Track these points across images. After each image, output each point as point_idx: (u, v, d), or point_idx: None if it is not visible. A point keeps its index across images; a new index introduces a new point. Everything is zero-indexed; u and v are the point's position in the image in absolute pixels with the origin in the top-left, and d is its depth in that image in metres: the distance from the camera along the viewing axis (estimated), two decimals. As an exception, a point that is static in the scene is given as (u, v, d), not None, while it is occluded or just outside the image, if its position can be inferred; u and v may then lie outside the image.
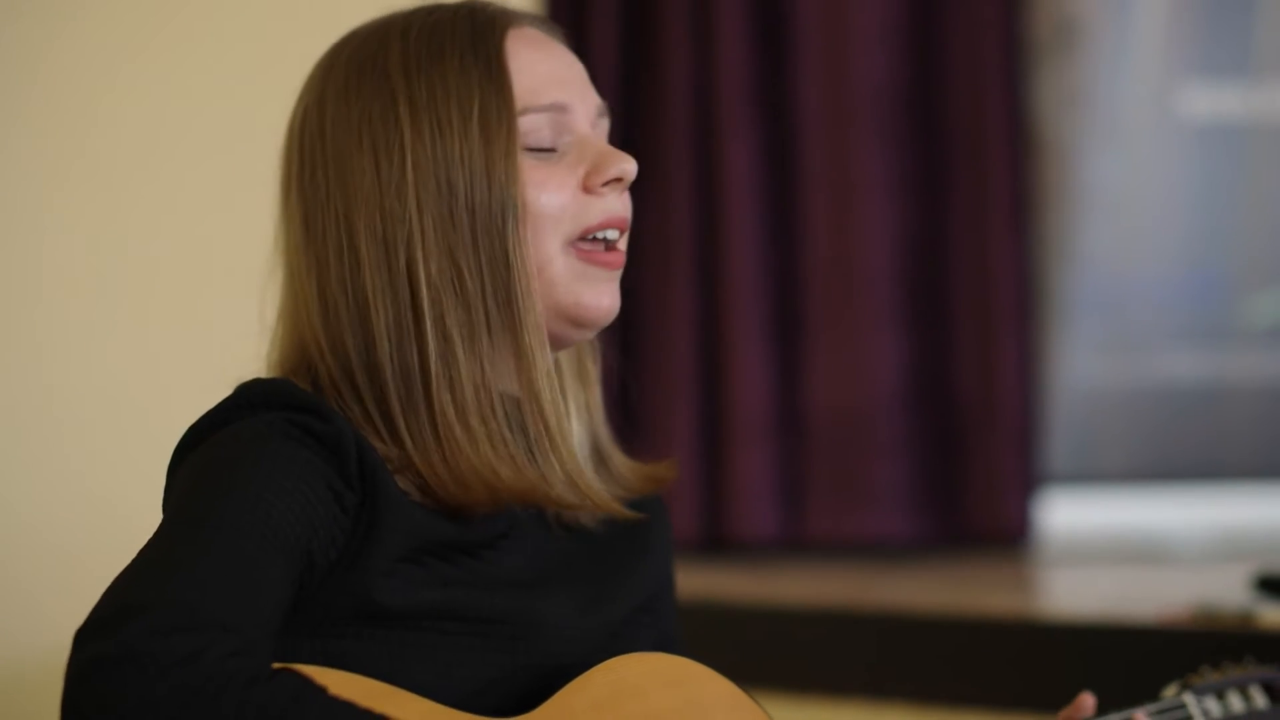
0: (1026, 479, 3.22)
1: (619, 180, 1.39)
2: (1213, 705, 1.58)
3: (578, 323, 1.38)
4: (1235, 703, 1.60)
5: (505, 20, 1.40)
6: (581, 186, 1.37)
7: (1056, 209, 3.34)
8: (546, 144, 1.37)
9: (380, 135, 1.34)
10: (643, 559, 1.48)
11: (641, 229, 1.72)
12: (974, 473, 3.22)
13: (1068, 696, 1.60)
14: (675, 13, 3.25)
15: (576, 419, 1.47)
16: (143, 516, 2.32)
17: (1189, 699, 1.57)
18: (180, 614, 1.14)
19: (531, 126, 1.36)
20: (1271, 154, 3.45)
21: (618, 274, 1.40)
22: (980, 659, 2.49)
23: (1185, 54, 3.45)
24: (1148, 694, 1.63)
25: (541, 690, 1.34)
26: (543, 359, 1.35)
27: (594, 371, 1.50)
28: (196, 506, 1.23)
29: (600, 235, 1.38)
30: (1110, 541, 3.39)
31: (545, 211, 1.35)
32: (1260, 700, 1.61)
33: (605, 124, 1.43)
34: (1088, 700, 1.55)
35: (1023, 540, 3.22)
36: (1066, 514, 3.38)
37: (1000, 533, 3.21)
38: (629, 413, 3.33)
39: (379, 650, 1.29)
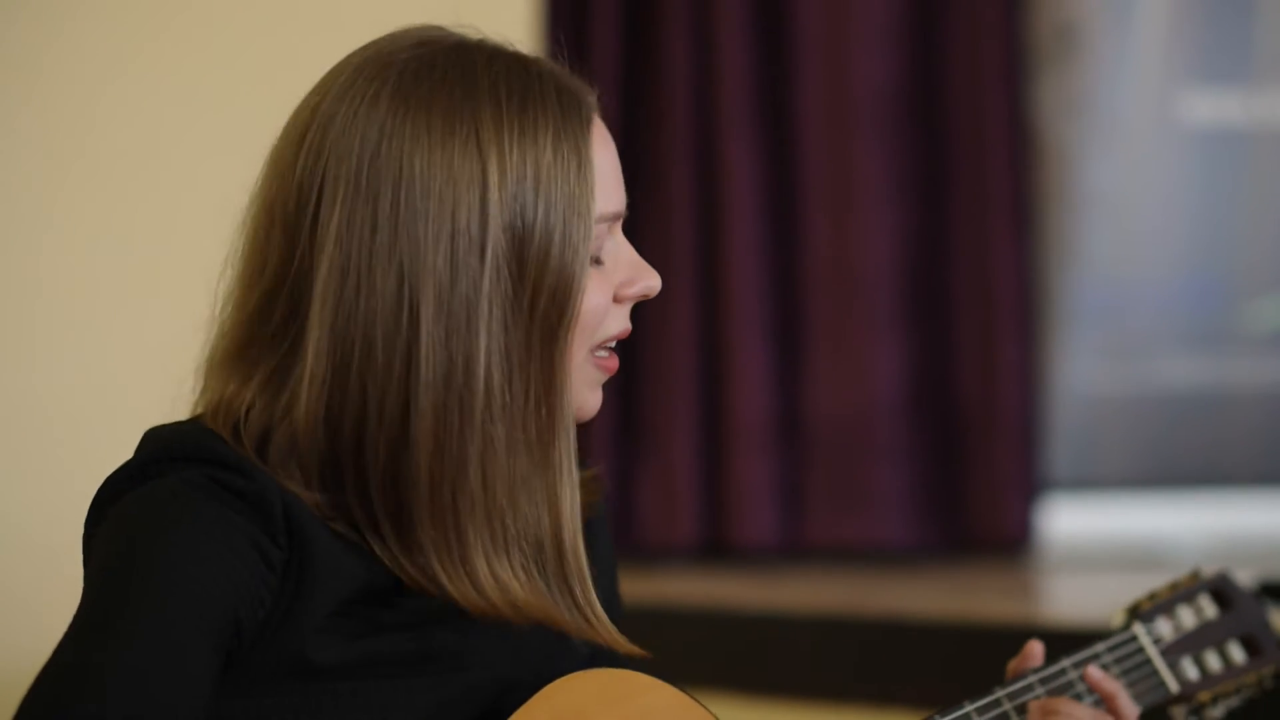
0: (1027, 484, 3.22)
1: (644, 295, 1.34)
2: (1164, 627, 1.56)
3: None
4: (1186, 618, 1.57)
5: (588, 106, 1.32)
6: (613, 296, 1.33)
7: (1057, 213, 3.34)
8: (599, 253, 1.31)
9: (464, 206, 1.25)
10: None
11: (642, 233, 1.72)
12: (975, 478, 3.21)
13: (1070, 701, 1.59)
14: (676, 15, 3.25)
15: None
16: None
17: (1139, 629, 1.55)
18: None
19: (598, 234, 1.31)
20: (1272, 159, 3.44)
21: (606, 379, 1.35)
22: (981, 665, 2.48)
23: (1186, 59, 3.45)
24: (1149, 698, 1.61)
25: (487, 711, 1.31)
26: (570, 471, 1.29)
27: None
28: (117, 590, 1.17)
29: (611, 344, 1.34)
30: (1111, 547, 3.38)
31: (588, 321, 1.30)
32: (1210, 610, 1.58)
33: None
34: (1036, 648, 1.54)
35: (1024, 546, 3.22)
36: (1067, 520, 3.37)
37: (1001, 538, 3.20)
38: (630, 418, 3.33)
39: (313, 704, 1.24)
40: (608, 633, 1.32)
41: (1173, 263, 3.46)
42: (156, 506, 1.21)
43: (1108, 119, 3.38)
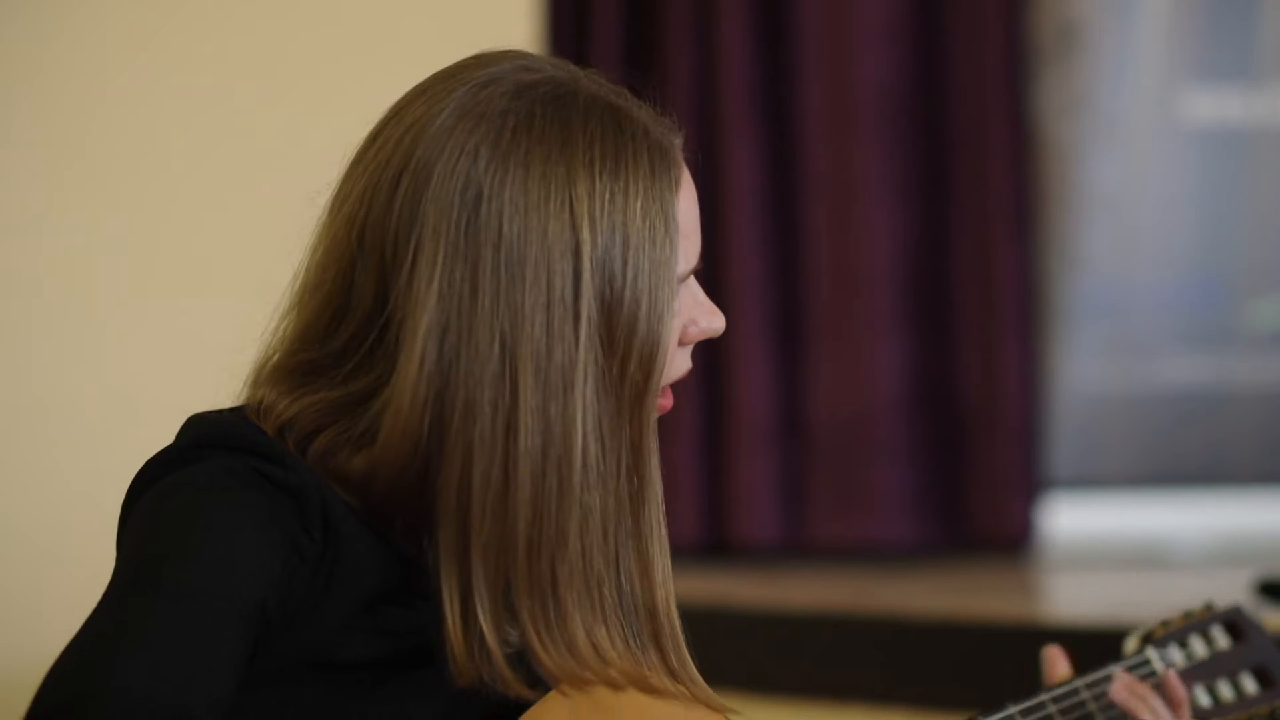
0: (1029, 484, 3.22)
1: (706, 335, 1.34)
2: (1176, 655, 1.56)
3: None
4: (1198, 648, 1.58)
5: (677, 162, 1.33)
6: (679, 339, 1.33)
7: (1058, 213, 3.34)
8: (676, 310, 1.31)
9: (559, 273, 1.25)
10: None
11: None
12: (976, 477, 3.21)
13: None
14: (678, 16, 3.25)
15: None
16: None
17: (1152, 654, 1.55)
18: (130, 706, 1.10)
19: (677, 293, 1.31)
20: (1273, 158, 3.44)
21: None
22: (983, 663, 2.49)
23: (1187, 59, 3.45)
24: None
25: (505, 710, 1.31)
26: (661, 534, 1.29)
27: None
28: (149, 569, 1.18)
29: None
30: (1112, 546, 3.39)
31: (664, 377, 1.30)
32: (1223, 641, 1.59)
33: None
34: (1059, 660, 1.55)
35: (1025, 545, 3.22)
36: (1069, 519, 3.37)
37: (1003, 537, 3.20)
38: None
39: (333, 694, 1.25)
40: (701, 690, 1.31)
41: (1174, 262, 3.46)
42: (194, 490, 1.22)
43: (1109, 118, 3.38)
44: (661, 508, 1.29)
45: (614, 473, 1.25)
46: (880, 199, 3.22)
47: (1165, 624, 1.59)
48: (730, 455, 3.20)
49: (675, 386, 1.36)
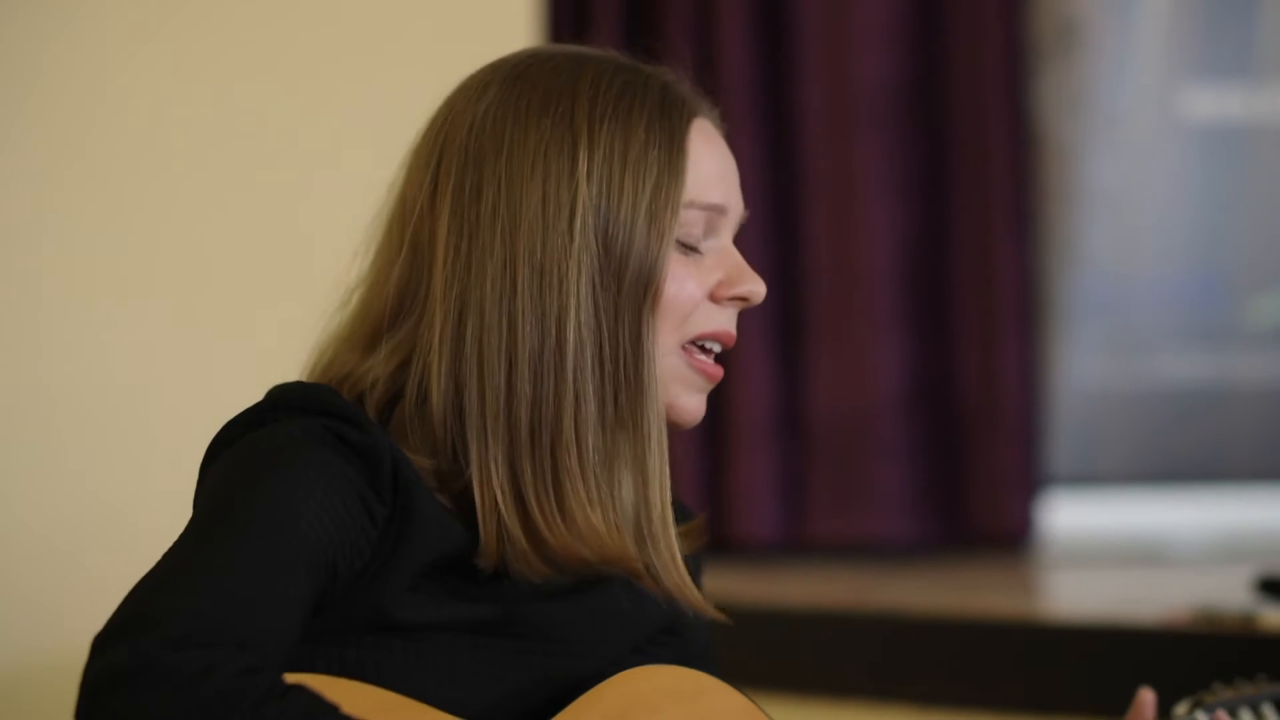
0: (1028, 481, 3.22)
1: (744, 300, 1.40)
2: None
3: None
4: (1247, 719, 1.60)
5: (693, 105, 1.42)
6: (710, 294, 1.38)
7: (1058, 210, 3.34)
8: (694, 242, 1.37)
9: (554, 173, 1.34)
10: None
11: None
12: (976, 474, 3.22)
13: (1070, 698, 1.60)
14: (676, 14, 3.25)
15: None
16: (143, 517, 2.32)
17: (1201, 717, 1.57)
18: (197, 627, 1.14)
19: (689, 220, 1.37)
20: (1273, 155, 3.45)
21: (710, 387, 1.40)
22: (982, 661, 2.49)
23: (1187, 55, 3.45)
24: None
25: (556, 705, 1.33)
26: (659, 442, 1.35)
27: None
28: (225, 511, 1.23)
29: (707, 345, 1.38)
30: (1112, 543, 3.39)
31: (674, 305, 1.35)
32: (1273, 717, 1.61)
33: (738, 228, 1.44)
34: (1149, 696, 1.55)
35: (1025, 542, 3.22)
36: (1068, 516, 3.38)
37: (1002, 534, 3.21)
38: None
39: (395, 661, 1.29)
40: (694, 597, 1.38)
41: (1174, 259, 3.46)
42: (271, 446, 1.27)
43: (1109, 115, 3.38)
44: (664, 425, 1.35)
45: (612, 372, 1.32)
46: (880, 197, 3.22)
47: (1214, 692, 1.60)
48: (729, 452, 3.21)
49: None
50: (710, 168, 1.39)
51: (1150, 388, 3.44)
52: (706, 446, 3.23)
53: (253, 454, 1.27)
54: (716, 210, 1.39)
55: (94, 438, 2.57)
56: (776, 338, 3.24)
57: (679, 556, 1.36)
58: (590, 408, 1.32)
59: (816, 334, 3.24)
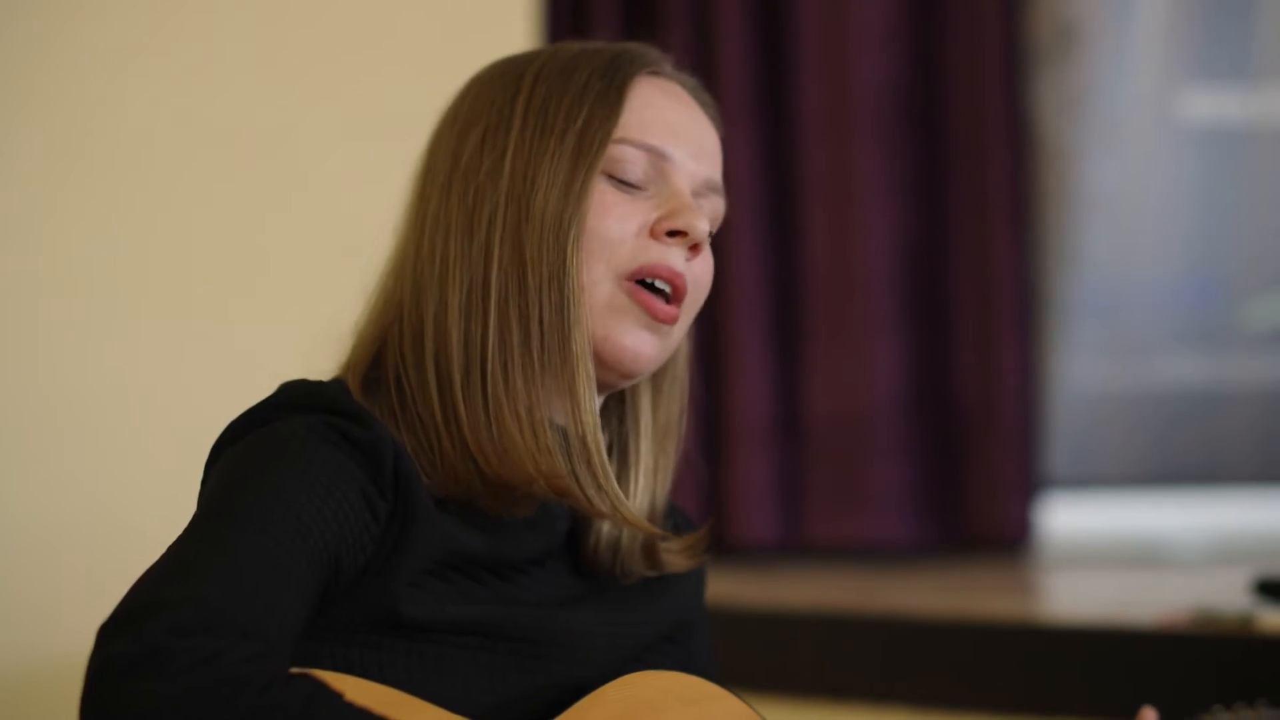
0: (1027, 483, 3.22)
1: (684, 234, 1.39)
2: None
3: (604, 360, 1.38)
4: None
5: (647, 62, 1.44)
6: (649, 229, 1.39)
7: (1056, 212, 3.34)
8: (633, 179, 1.39)
9: (493, 120, 1.39)
10: (666, 596, 1.48)
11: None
12: (974, 477, 3.21)
13: (1069, 700, 1.60)
14: (676, 14, 3.25)
15: (643, 477, 1.48)
16: (142, 517, 2.32)
17: None
18: (203, 614, 1.15)
19: (623, 156, 1.39)
20: (1271, 157, 3.45)
21: (661, 328, 1.40)
22: (981, 663, 2.49)
23: (1185, 58, 3.45)
24: (1148, 697, 1.62)
25: (557, 708, 1.34)
26: (586, 370, 1.36)
27: (675, 445, 1.52)
28: (229, 505, 1.24)
29: (657, 284, 1.39)
30: (1110, 545, 3.39)
31: (598, 235, 1.37)
32: None
33: (714, 203, 1.44)
34: (1150, 715, 1.55)
35: (1023, 544, 3.22)
36: (1067, 518, 3.38)
37: (1001, 537, 3.21)
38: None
39: (398, 659, 1.29)
40: (629, 513, 1.40)
41: (1172, 261, 3.46)
42: (275, 444, 1.28)
43: (1107, 118, 3.38)
44: (589, 350, 1.37)
45: (535, 303, 1.35)
46: (878, 199, 3.23)
47: (1213, 713, 1.60)
48: (728, 455, 3.20)
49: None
50: (656, 115, 1.41)
51: (1148, 390, 3.44)
52: (704, 449, 3.23)
53: (257, 451, 1.28)
54: (656, 153, 1.40)
55: (94, 439, 2.57)
56: (775, 340, 3.24)
57: (611, 478, 1.39)
58: (515, 339, 1.35)
59: (815, 336, 3.23)
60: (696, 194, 1.42)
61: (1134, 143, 3.43)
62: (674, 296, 1.40)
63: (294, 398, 1.32)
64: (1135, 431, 3.45)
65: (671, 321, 1.39)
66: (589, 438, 1.36)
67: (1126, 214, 3.43)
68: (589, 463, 1.36)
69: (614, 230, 1.37)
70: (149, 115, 2.65)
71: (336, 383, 1.35)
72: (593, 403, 1.37)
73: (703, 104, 1.46)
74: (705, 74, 3.25)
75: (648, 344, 1.39)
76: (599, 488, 1.37)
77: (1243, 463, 3.42)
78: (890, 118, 3.23)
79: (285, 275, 2.58)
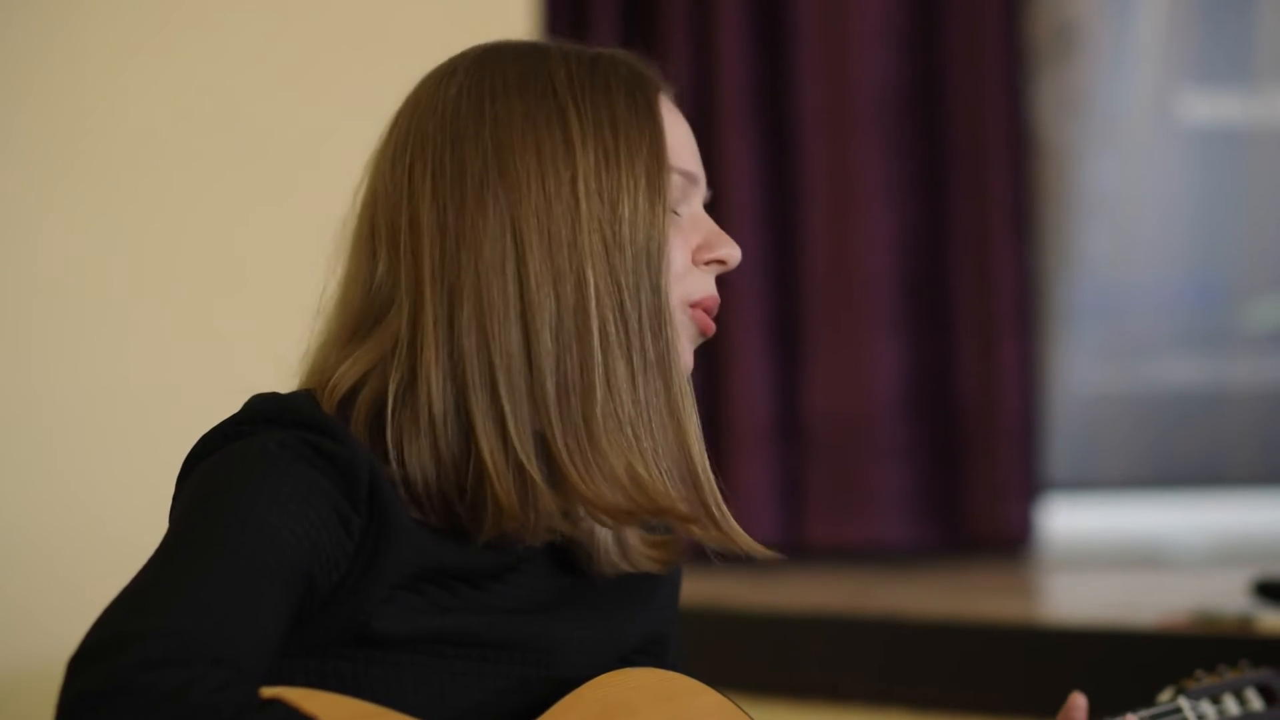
0: (1027, 484, 3.22)
1: (721, 263, 1.40)
2: (1208, 709, 1.58)
3: None
4: (1231, 706, 1.60)
5: (657, 79, 1.42)
6: (691, 256, 1.39)
7: (1056, 214, 3.34)
8: (674, 206, 1.39)
9: (547, 143, 1.33)
10: (648, 600, 1.47)
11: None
12: (975, 478, 3.21)
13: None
14: (675, 15, 3.25)
15: None
16: (135, 523, 2.31)
17: (1184, 703, 1.57)
18: (173, 644, 1.13)
19: (672, 184, 1.38)
20: (1270, 159, 3.45)
21: (701, 340, 1.42)
22: (981, 664, 2.49)
23: (1185, 60, 3.45)
24: (1147, 699, 1.62)
25: (537, 714, 1.33)
26: (689, 396, 1.37)
27: None
28: (199, 528, 1.22)
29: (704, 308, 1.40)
30: (1111, 547, 3.39)
31: (673, 265, 1.37)
32: (1256, 703, 1.61)
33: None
34: (1080, 700, 1.55)
35: (1024, 546, 3.22)
36: (1067, 519, 3.38)
37: (1001, 538, 3.20)
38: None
39: (373, 672, 1.28)
40: (744, 540, 1.38)
41: (1171, 262, 3.46)
42: (245, 461, 1.25)
43: (1106, 119, 3.38)
44: (688, 378, 1.37)
45: (637, 329, 1.33)
46: (878, 199, 3.22)
47: (1198, 678, 1.60)
48: (727, 456, 3.20)
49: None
50: (678, 137, 1.40)
51: (1148, 391, 3.44)
52: (705, 450, 3.22)
53: (227, 468, 1.25)
54: (690, 177, 1.40)
55: (87, 444, 2.57)
56: (775, 341, 3.24)
57: (724, 503, 1.37)
58: (619, 365, 1.31)
59: (815, 337, 3.23)
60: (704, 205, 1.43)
61: (1134, 143, 3.43)
62: (711, 314, 1.42)
63: (266, 411, 1.29)
64: (1135, 432, 3.45)
65: (712, 335, 1.42)
66: (698, 464, 1.35)
67: (1126, 215, 3.43)
68: (702, 490, 1.35)
69: (678, 261, 1.38)
70: (148, 117, 2.65)
71: (306, 394, 1.32)
72: (699, 428, 1.37)
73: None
74: (705, 75, 3.25)
75: (693, 358, 1.41)
76: (712, 514, 1.36)
77: (1243, 464, 3.42)
78: (890, 118, 3.23)
79: (285, 275, 2.57)
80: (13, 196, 2.58)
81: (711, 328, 1.40)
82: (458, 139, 1.34)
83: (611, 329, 1.32)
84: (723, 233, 1.41)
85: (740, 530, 1.38)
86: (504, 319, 1.30)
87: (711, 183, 3.14)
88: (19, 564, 2.53)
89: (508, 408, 1.29)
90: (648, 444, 1.33)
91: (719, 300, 1.41)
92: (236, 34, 2.71)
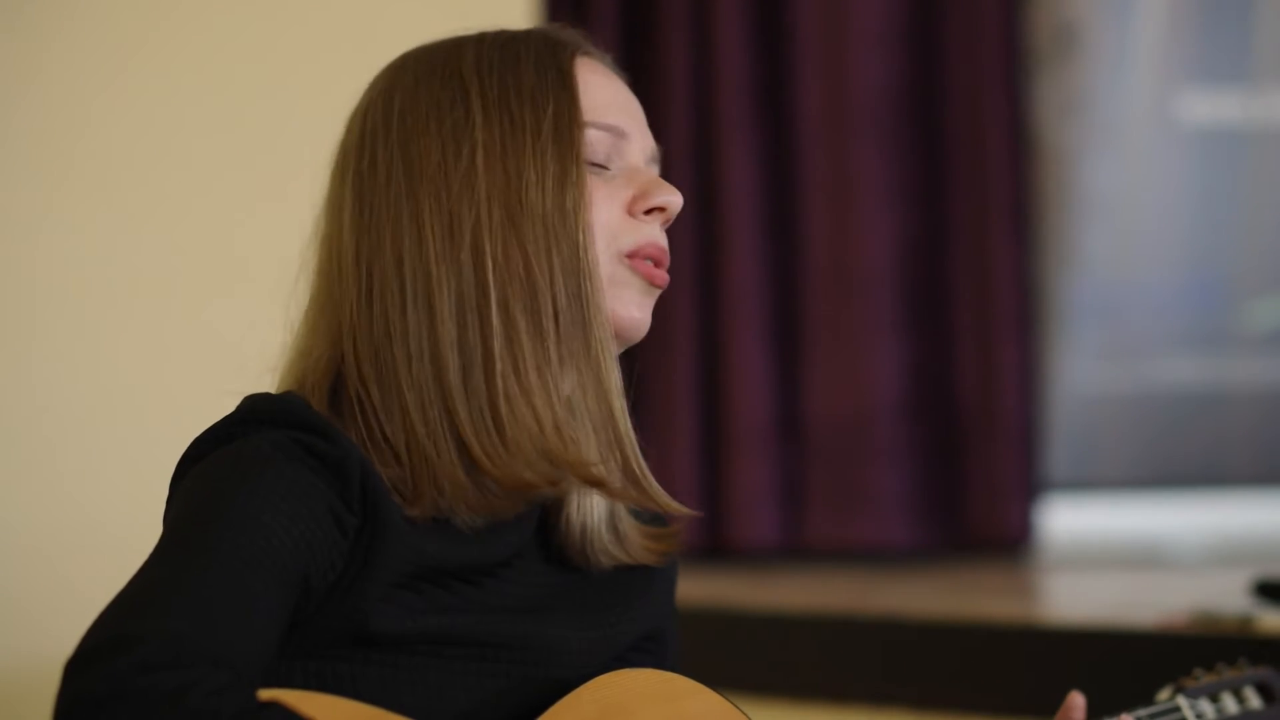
0: (1027, 485, 3.22)
1: (661, 210, 1.40)
2: (1207, 708, 1.58)
3: (614, 336, 1.38)
4: (1229, 704, 1.60)
5: (576, 44, 1.43)
6: (625, 209, 1.39)
7: (1056, 214, 3.34)
8: (600, 161, 1.39)
9: (449, 123, 1.35)
10: (644, 596, 1.47)
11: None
12: (974, 479, 3.21)
13: (1070, 701, 1.60)
14: (675, 16, 3.25)
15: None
16: (133, 523, 2.31)
17: (1183, 702, 1.57)
18: (169, 648, 1.13)
19: (592, 139, 1.38)
20: (1271, 159, 3.45)
21: (655, 293, 1.40)
22: (981, 665, 2.49)
23: (1184, 60, 3.45)
24: (1147, 699, 1.62)
25: (536, 712, 1.33)
26: (611, 354, 1.36)
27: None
28: (194, 529, 1.22)
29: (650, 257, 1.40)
30: (1110, 547, 3.39)
31: (599, 219, 1.37)
32: (1254, 701, 1.61)
33: (656, 169, 1.45)
34: (1078, 700, 1.55)
35: (1023, 546, 3.22)
36: (1067, 520, 3.38)
37: (1001, 539, 3.21)
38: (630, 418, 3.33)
39: (371, 673, 1.28)
40: (662, 498, 1.37)
41: (1171, 263, 3.46)
42: (239, 463, 1.26)
43: (1106, 120, 3.38)
44: (611, 337, 1.36)
45: (546, 292, 1.33)
46: (878, 200, 3.22)
47: (1197, 676, 1.60)
48: (728, 457, 3.20)
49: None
50: (603, 95, 1.41)
51: (1148, 392, 3.44)
52: (704, 451, 3.22)
53: (221, 470, 1.26)
54: (615, 132, 1.40)
55: (86, 444, 2.57)
56: (774, 342, 3.24)
57: (644, 464, 1.37)
58: (523, 333, 1.32)
59: (814, 338, 3.23)
60: (648, 163, 1.43)
61: (1133, 145, 3.43)
62: (659, 264, 1.40)
63: (259, 413, 1.29)
64: (1135, 433, 3.45)
65: (664, 285, 1.40)
66: (620, 423, 1.35)
67: (1126, 216, 3.43)
68: (621, 448, 1.35)
69: (604, 214, 1.37)
70: (148, 117, 2.65)
71: (294, 396, 1.32)
72: (620, 386, 1.36)
73: (619, 75, 1.47)
74: (705, 75, 3.25)
75: (643, 309, 1.40)
76: (632, 473, 1.36)
77: (1242, 464, 3.43)
78: (890, 119, 3.23)
79: (285, 275, 2.57)
80: (13, 196, 2.58)
81: (660, 278, 1.40)
82: (373, 139, 1.37)
83: (514, 297, 1.32)
84: (661, 181, 1.41)
85: (660, 489, 1.38)
86: (407, 306, 1.32)
87: (712, 183, 3.15)
88: (19, 564, 2.53)
89: (410, 397, 1.31)
90: (560, 410, 1.33)
91: (664, 249, 1.40)
92: (236, 34, 2.71)
